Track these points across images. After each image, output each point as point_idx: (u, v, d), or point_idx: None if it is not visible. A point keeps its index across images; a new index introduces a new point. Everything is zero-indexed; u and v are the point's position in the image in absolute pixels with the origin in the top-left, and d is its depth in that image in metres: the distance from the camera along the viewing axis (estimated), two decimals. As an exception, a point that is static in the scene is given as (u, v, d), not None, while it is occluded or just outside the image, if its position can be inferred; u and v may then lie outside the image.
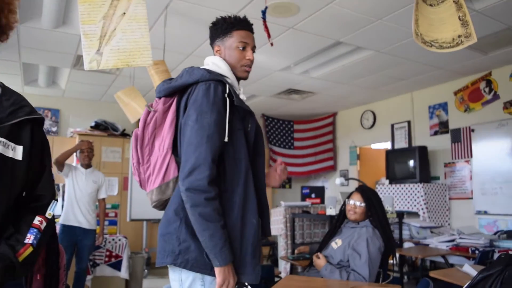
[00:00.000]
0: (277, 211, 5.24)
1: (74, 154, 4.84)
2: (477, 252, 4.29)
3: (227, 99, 1.69)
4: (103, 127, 6.83)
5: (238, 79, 1.88)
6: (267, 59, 5.37)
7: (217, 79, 1.72)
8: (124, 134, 6.93)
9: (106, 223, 5.04)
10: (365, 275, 2.79)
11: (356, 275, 2.81)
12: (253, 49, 1.89)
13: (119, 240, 4.89)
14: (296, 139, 8.96)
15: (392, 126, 7.32)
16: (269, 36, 3.48)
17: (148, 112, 1.80)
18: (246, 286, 1.80)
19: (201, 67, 1.80)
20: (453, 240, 4.79)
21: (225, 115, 1.68)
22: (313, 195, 5.44)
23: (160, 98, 1.83)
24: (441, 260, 4.63)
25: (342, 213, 3.30)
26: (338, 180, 5.25)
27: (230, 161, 1.70)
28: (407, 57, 5.30)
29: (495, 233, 5.16)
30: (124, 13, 2.64)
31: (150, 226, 6.70)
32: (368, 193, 3.19)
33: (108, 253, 4.81)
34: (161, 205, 1.78)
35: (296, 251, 3.87)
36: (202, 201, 1.55)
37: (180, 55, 5.13)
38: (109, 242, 4.86)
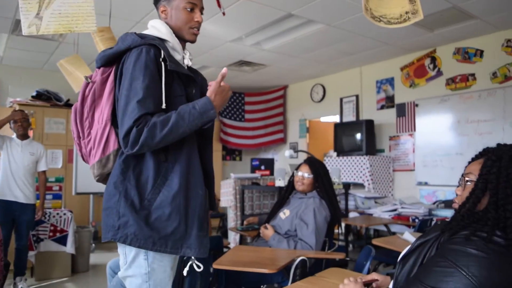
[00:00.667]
0: (226, 183, 5.27)
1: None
2: (417, 220, 4.51)
3: (162, 63, 1.63)
4: (45, 97, 6.51)
5: (185, 42, 1.82)
6: (218, 29, 5.29)
7: (150, 43, 1.64)
8: (68, 105, 6.64)
9: (50, 197, 4.86)
10: (312, 244, 2.88)
11: (303, 244, 2.89)
12: (201, 10, 1.81)
13: (64, 214, 4.75)
14: (247, 112, 8.97)
15: (341, 100, 7.47)
16: (219, 5, 3.41)
17: (87, 84, 1.72)
18: (193, 260, 1.80)
19: (134, 32, 1.72)
20: (395, 210, 5.01)
21: (161, 81, 1.61)
22: (262, 167, 5.50)
23: (99, 68, 1.74)
24: (384, 228, 4.84)
25: (291, 184, 3.36)
26: (287, 152, 5.33)
27: None
28: (357, 32, 5.38)
29: (434, 203, 5.44)
30: (67, -25, 2.50)
31: (97, 199, 6.55)
32: (315, 165, 3.26)
33: (52, 228, 4.67)
34: (104, 179, 1.72)
35: (245, 222, 3.92)
36: (150, 134, 1.51)
37: (128, 22, 4.95)
38: (54, 216, 4.71)
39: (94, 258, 5.46)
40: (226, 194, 5.23)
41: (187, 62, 1.79)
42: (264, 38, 5.67)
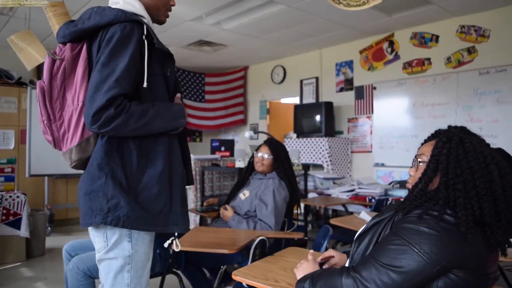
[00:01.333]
0: (187, 164, 5.23)
1: None
2: (373, 200, 4.65)
3: (145, 41, 1.57)
4: (-2, 75, 6.22)
5: (154, 22, 1.78)
6: (177, 7, 5.17)
7: (134, 20, 1.57)
8: (20, 83, 6.36)
9: (2, 179, 4.66)
10: (271, 224, 2.91)
11: (263, 224, 2.92)
12: None
13: (17, 197, 4.58)
14: (207, 92, 8.89)
15: (301, 81, 7.52)
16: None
17: (53, 61, 1.58)
18: (175, 237, 1.79)
19: (113, 7, 1.62)
20: (352, 190, 5.14)
21: (143, 59, 1.56)
22: (222, 148, 5.49)
23: (64, 44, 1.61)
24: (342, 208, 4.96)
25: (251, 165, 3.38)
26: (247, 134, 5.33)
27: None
28: (317, 14, 5.40)
29: (389, 183, 5.61)
30: None
31: (52, 181, 6.37)
32: (275, 146, 3.28)
33: (5, 211, 4.50)
34: (82, 164, 1.62)
35: (205, 203, 3.92)
36: (125, 122, 1.48)
37: (84, -2, 4.77)
38: (6, 199, 4.54)
39: (50, 241, 5.33)
40: (186, 175, 5.20)
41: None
42: (224, 17, 5.60)
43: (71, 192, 6.57)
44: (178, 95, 1.77)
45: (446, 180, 1.31)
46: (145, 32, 1.58)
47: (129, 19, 1.55)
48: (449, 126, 1.44)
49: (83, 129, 1.56)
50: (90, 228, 1.60)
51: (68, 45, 1.60)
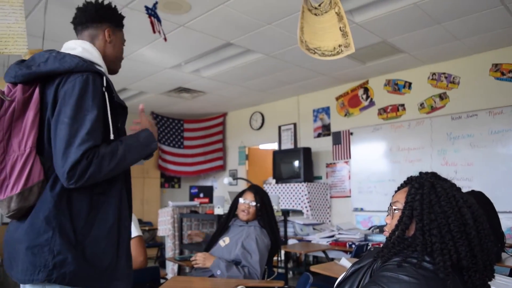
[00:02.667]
0: (164, 211, 5.15)
1: None
2: (353, 246, 4.61)
3: (106, 93, 1.56)
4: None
5: (110, 72, 1.78)
6: (157, 55, 5.25)
7: (95, 70, 1.55)
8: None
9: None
10: (258, 273, 2.86)
11: (252, 271, 2.86)
12: None
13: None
14: (186, 138, 8.89)
15: (280, 127, 7.60)
16: (154, 31, 3.40)
17: (2, 101, 1.48)
18: None
19: (74, 54, 1.59)
20: (332, 236, 5.10)
21: (107, 111, 1.55)
22: (201, 195, 5.44)
23: (15, 84, 1.52)
24: (322, 255, 4.90)
25: (233, 211, 3.32)
26: (227, 180, 5.31)
27: None
28: (294, 62, 5.54)
29: (369, 228, 5.60)
30: (-4, -4, 2.40)
31: None
32: (261, 194, 3.25)
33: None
34: (22, 214, 1.49)
35: (188, 233, 3.77)
36: (98, 167, 1.46)
37: (62, 44, 4.79)
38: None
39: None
40: (164, 222, 5.10)
41: None
42: (203, 65, 5.69)
43: None
44: (141, 105, 1.80)
45: (422, 226, 1.32)
46: (104, 84, 1.56)
47: (90, 69, 1.54)
48: (420, 173, 1.47)
49: (27, 177, 1.45)
50: (27, 285, 1.47)
51: (20, 86, 1.51)
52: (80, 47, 1.64)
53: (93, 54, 1.65)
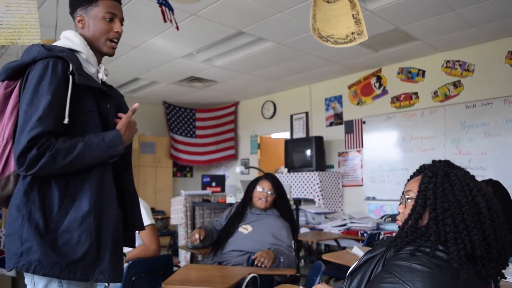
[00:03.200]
0: (177, 200, 5.19)
1: None
2: (365, 234, 4.61)
3: (70, 77, 1.50)
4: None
5: (102, 55, 1.71)
6: (169, 44, 5.26)
7: (57, 56, 1.51)
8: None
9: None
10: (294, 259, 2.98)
11: (291, 260, 2.93)
12: (121, 21, 1.71)
13: (4, 234, 4.49)
14: (198, 128, 8.92)
15: (291, 116, 7.58)
16: (165, 21, 3.40)
17: None
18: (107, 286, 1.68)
19: (56, 45, 1.61)
20: (344, 225, 5.10)
21: (66, 95, 1.48)
22: (213, 184, 5.47)
23: (2, 81, 1.59)
24: (334, 243, 4.91)
25: (248, 198, 3.30)
26: (239, 169, 5.32)
27: None
28: (306, 51, 5.50)
29: (381, 217, 5.59)
30: (9, -14, 2.41)
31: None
32: (278, 183, 3.27)
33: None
34: (3, 202, 1.57)
35: (191, 238, 3.71)
36: (51, 160, 1.41)
37: (75, 36, 4.82)
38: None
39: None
40: (176, 211, 5.15)
41: (101, 76, 1.68)
42: (215, 54, 5.68)
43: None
44: (136, 105, 1.69)
45: (435, 215, 1.30)
46: (70, 68, 1.50)
47: (51, 55, 1.51)
48: (433, 161, 1.45)
49: (3, 167, 1.51)
50: (24, 274, 1.50)
51: (5, 82, 1.58)
52: (63, 37, 1.64)
53: (73, 42, 1.61)
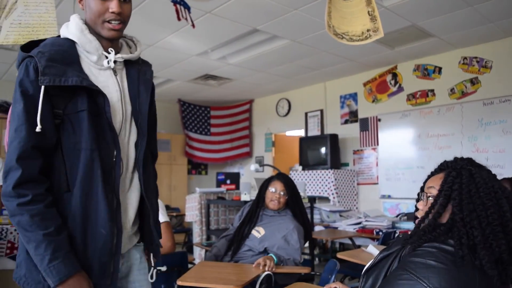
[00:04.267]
0: (192, 197, 5.22)
1: None
2: (380, 233, 4.58)
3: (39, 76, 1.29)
4: (4, 108, 6.30)
5: (107, 39, 1.45)
6: (184, 42, 5.28)
7: (29, 55, 1.32)
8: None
9: (6, 212, 4.68)
10: (299, 263, 2.95)
11: (297, 263, 2.92)
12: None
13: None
14: (213, 125, 8.95)
15: (306, 114, 7.55)
16: (179, 19, 3.41)
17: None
18: (154, 267, 1.63)
19: (32, 40, 1.44)
20: (359, 223, 5.07)
21: (38, 98, 1.28)
22: (228, 181, 5.48)
23: None
24: (349, 241, 4.89)
25: (261, 199, 3.26)
26: (253, 167, 5.33)
27: (70, 153, 1.34)
28: (321, 48, 5.48)
29: (397, 216, 5.54)
30: (28, -14, 2.45)
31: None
32: (290, 183, 3.23)
33: (9, 245, 4.47)
34: None
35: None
36: (15, 208, 1.23)
37: (92, 35, 4.88)
38: (11, 233, 4.52)
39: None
40: (191, 208, 5.18)
41: (106, 64, 1.45)
42: (229, 52, 5.69)
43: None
44: None
45: (462, 217, 1.28)
46: (39, 66, 1.29)
47: (26, 56, 1.34)
48: (456, 158, 1.43)
49: None
50: None
51: None
52: (64, 26, 1.48)
53: (69, 28, 1.44)
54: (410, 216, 5.16)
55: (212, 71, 6.57)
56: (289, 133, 8.38)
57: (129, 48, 1.59)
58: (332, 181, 6.23)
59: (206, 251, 4.19)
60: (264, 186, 3.27)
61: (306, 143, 6.95)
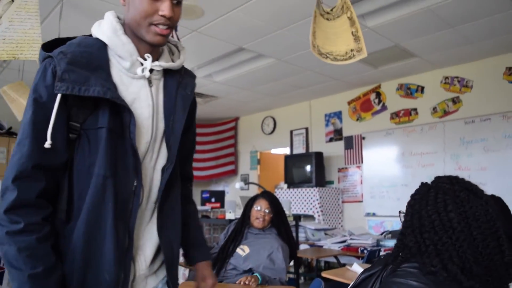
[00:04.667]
0: (177, 215, 5.16)
1: None
2: (365, 251, 4.59)
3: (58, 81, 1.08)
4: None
5: (150, 45, 1.23)
6: (169, 61, 5.29)
7: (50, 55, 1.12)
8: (10, 133, 6.38)
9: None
10: (285, 282, 2.89)
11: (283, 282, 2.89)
12: (176, 2, 1.21)
13: (3, 249, 4.45)
14: (198, 143, 8.91)
15: (291, 132, 7.59)
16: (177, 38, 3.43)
17: None
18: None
19: (57, 38, 1.24)
20: (344, 241, 5.08)
21: (51, 107, 1.08)
22: (213, 199, 5.45)
23: None
24: (334, 260, 4.88)
25: (246, 218, 3.25)
26: (238, 185, 5.32)
27: (83, 176, 1.13)
28: (306, 67, 5.54)
29: (381, 233, 5.56)
30: (12, 0, 2.44)
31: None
32: (275, 201, 3.23)
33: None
34: None
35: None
36: (3, 236, 1.03)
37: (77, 52, 4.85)
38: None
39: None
40: (175, 227, 5.12)
41: (140, 72, 1.22)
42: (215, 70, 5.72)
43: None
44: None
45: (412, 230, 1.32)
46: (57, 69, 1.09)
47: (47, 56, 1.14)
48: (435, 177, 1.45)
49: None
50: None
51: None
52: (96, 24, 1.26)
53: (101, 28, 1.22)
54: (395, 234, 5.18)
55: (198, 89, 6.58)
56: (274, 151, 8.39)
57: (171, 55, 1.36)
58: (317, 199, 6.24)
59: (190, 270, 4.14)
60: (249, 204, 3.26)
61: (291, 161, 6.97)
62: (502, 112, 5.05)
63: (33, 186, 1.06)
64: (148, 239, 1.27)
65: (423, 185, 1.43)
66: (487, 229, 1.26)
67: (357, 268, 3.10)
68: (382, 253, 4.43)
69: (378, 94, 6.36)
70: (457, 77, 5.51)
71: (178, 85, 1.32)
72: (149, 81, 1.25)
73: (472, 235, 1.25)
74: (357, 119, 6.60)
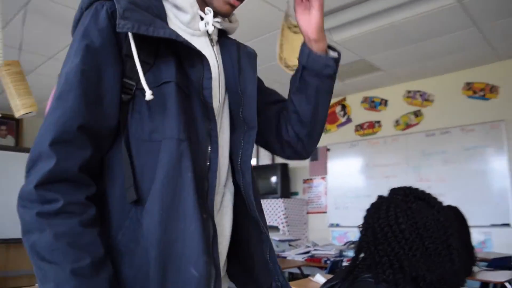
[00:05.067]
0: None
1: None
2: (328, 262, 4.60)
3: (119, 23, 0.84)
4: None
5: (216, 12, 1.05)
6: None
7: None
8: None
9: None
10: None
11: None
12: None
13: None
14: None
15: (257, 142, 7.57)
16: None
17: None
18: None
19: None
20: (308, 252, 5.08)
21: (106, 56, 0.86)
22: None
23: None
24: (298, 271, 4.87)
25: None
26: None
27: (142, 146, 0.87)
28: (272, 79, 5.56)
29: (344, 244, 5.60)
30: (-29, 6, 2.36)
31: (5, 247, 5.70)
32: None
33: None
34: None
35: None
36: (33, 219, 0.75)
37: (39, 56, 4.71)
38: None
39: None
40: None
41: (203, 27, 1.01)
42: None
43: (12, 258, 5.92)
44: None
45: (367, 242, 1.37)
46: (118, 7, 0.85)
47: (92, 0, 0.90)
48: (391, 189, 1.49)
49: None
50: None
51: None
52: None
53: None
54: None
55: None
56: (240, 161, 8.36)
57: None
58: (282, 210, 6.24)
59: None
60: None
61: (257, 172, 6.95)
62: (461, 125, 5.21)
63: (77, 154, 0.80)
64: (220, 233, 0.99)
65: (379, 197, 1.46)
66: (437, 238, 1.29)
67: (320, 278, 3.11)
68: (344, 263, 4.46)
69: (344, 107, 6.45)
70: (419, 91, 5.66)
71: (238, 46, 1.17)
72: (211, 40, 1.06)
73: (424, 244, 1.28)
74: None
